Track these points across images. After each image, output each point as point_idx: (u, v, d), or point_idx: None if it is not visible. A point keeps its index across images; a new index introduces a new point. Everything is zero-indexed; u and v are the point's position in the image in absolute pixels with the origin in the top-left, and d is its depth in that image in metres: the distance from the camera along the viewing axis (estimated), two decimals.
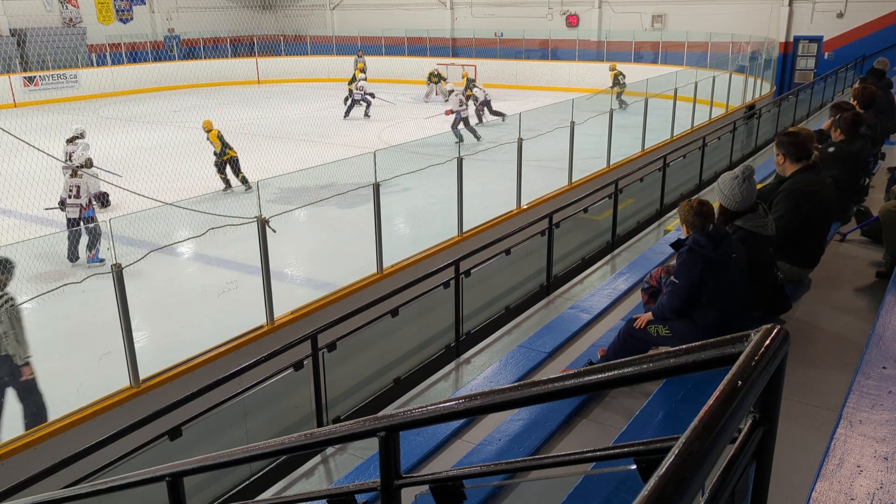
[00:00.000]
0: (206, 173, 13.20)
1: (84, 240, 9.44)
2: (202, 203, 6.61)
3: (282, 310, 6.90)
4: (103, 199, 11.96)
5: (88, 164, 10.59)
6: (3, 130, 7.16)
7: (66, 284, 5.71)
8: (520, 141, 9.92)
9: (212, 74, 28.62)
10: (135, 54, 28.90)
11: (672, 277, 4.07)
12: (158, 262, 7.93)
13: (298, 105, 22.70)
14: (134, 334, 5.67)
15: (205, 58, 29.88)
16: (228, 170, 13.56)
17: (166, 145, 17.49)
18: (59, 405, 5.48)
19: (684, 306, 4.00)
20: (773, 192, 4.90)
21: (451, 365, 5.67)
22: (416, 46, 30.99)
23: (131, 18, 30.27)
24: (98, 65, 27.41)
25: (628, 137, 13.42)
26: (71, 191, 9.83)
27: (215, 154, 13.73)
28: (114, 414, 5.44)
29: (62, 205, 10.06)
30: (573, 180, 11.29)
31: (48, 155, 8.04)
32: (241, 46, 31.19)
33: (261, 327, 6.69)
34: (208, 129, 13.91)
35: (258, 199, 6.52)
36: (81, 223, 9.70)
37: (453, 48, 31.13)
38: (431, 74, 25.65)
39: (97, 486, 3.32)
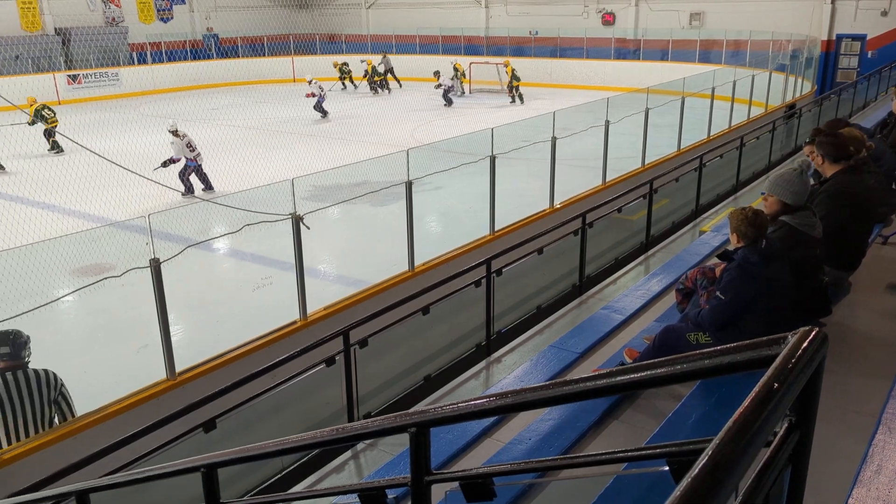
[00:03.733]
0: (242, 170, 13.37)
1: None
2: (238, 199, 6.70)
3: (314, 306, 6.96)
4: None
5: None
6: (63, 135, 7.33)
7: (105, 278, 5.82)
8: (553, 139, 9.87)
9: (248, 73, 28.99)
10: (174, 53, 29.39)
11: (718, 293, 3.89)
12: (195, 257, 8.05)
13: (333, 103, 22.85)
14: (171, 328, 5.77)
15: (242, 56, 30.28)
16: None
17: (203, 143, 17.74)
18: (98, 396, 5.59)
19: (727, 322, 3.89)
20: (813, 194, 4.80)
21: (482, 364, 5.68)
22: (450, 45, 31.01)
23: (171, 18, 30.83)
24: (139, 63, 27.92)
25: (664, 137, 13.26)
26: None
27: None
28: (150, 405, 5.54)
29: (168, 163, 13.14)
30: (607, 180, 11.19)
31: (90, 151, 8.21)
32: (278, 45, 31.52)
33: (294, 323, 6.76)
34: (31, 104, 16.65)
35: (293, 197, 6.59)
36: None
37: (487, 46, 31.08)
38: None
39: (135, 475, 3.39)
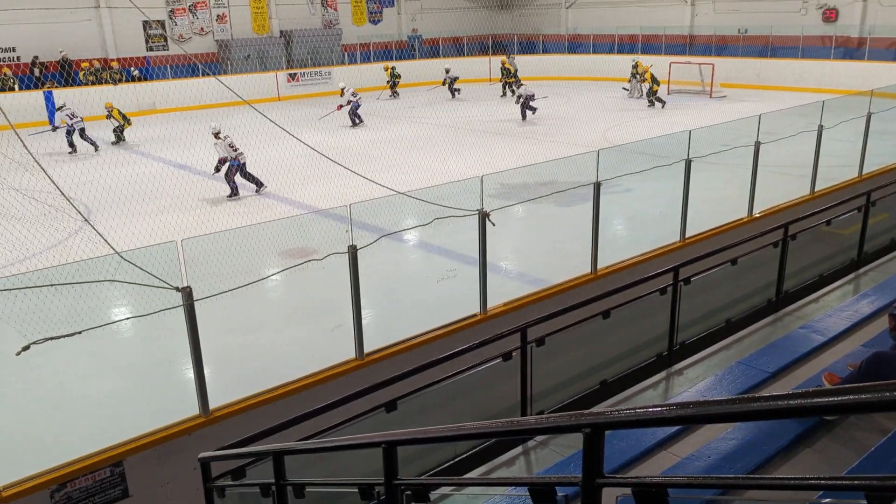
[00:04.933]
0: (435, 166, 13.89)
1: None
2: (429, 194, 6.98)
3: (494, 301, 7.10)
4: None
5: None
6: (281, 128, 8.10)
7: (308, 261, 6.33)
8: (757, 144, 9.26)
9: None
10: (380, 53, 31.16)
11: None
12: (388, 246, 8.51)
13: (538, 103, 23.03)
14: (362, 311, 6.16)
15: (443, 56, 31.37)
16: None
17: (401, 139, 18.68)
18: (296, 369, 6.11)
19: None
20: None
21: (662, 374, 5.48)
22: (649, 44, 30.00)
23: (381, 20, 32.78)
24: (348, 63, 29.89)
25: (887, 145, 11.95)
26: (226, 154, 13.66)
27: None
28: (340, 382, 5.95)
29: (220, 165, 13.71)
30: (816, 189, 10.30)
31: (303, 143, 8.95)
32: (477, 45, 32.32)
33: (474, 316, 6.94)
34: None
35: (481, 194, 6.76)
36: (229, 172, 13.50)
37: (690, 45, 29.69)
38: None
39: (324, 443, 3.68)
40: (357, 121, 21.21)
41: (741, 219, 9.32)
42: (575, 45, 31.91)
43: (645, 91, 24.39)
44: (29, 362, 4.66)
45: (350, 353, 6.20)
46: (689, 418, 1.76)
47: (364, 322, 6.24)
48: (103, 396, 6.49)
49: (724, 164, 10.25)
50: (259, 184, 13.76)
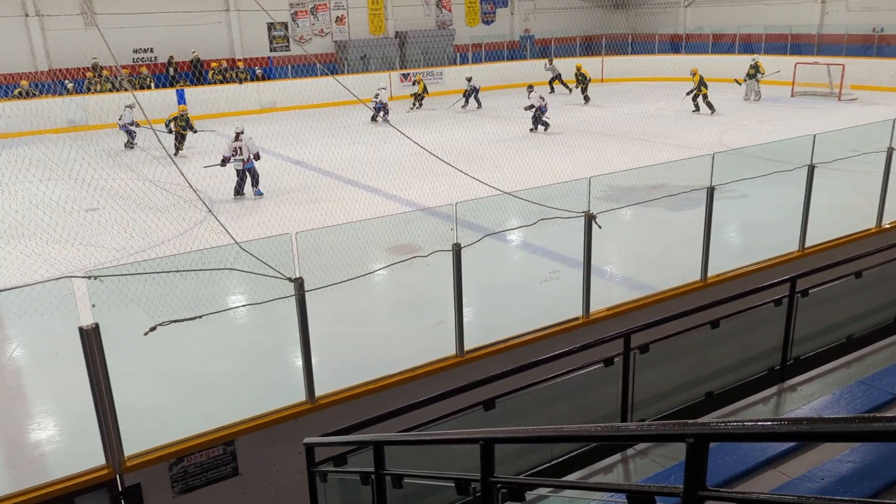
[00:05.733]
0: (542, 167, 13.81)
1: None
2: (535, 194, 6.96)
3: (597, 305, 6.99)
4: (257, 156, 14.16)
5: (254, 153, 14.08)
6: (393, 126, 8.29)
7: (414, 257, 6.46)
8: (890, 150, 8.66)
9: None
10: (492, 53, 31.28)
11: None
12: (491, 246, 8.55)
13: (637, 104, 22.49)
14: (464, 308, 6.23)
15: (555, 56, 31.12)
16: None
17: (509, 139, 18.69)
18: (397, 362, 6.26)
19: None
20: None
21: (773, 389, 5.24)
22: (773, 44, 28.55)
23: (494, 20, 32.93)
24: (460, 63, 30.18)
25: None
26: (234, 152, 13.73)
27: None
28: (440, 377, 6.05)
29: (223, 162, 13.88)
30: None
31: (413, 142, 9.13)
32: (589, 45, 31.83)
33: (576, 319, 6.87)
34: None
35: (588, 195, 6.68)
36: (246, 172, 13.81)
37: (818, 46, 28.04)
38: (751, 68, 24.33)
39: (423, 435, 3.76)
40: (380, 119, 20.88)
41: (868, 229, 8.75)
42: (692, 44, 30.82)
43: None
44: (154, 342, 5.00)
45: (450, 349, 6.28)
46: (802, 435, 1.69)
47: (465, 319, 6.31)
48: (218, 378, 6.88)
49: (852, 171, 9.65)
50: (239, 191, 13.90)
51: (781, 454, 3.94)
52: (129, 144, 18.95)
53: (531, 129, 19.67)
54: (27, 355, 7.58)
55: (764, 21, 29.31)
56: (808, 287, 6.10)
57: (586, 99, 25.06)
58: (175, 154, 17.44)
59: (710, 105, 21.62)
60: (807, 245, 8.17)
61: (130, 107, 18.39)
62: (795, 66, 24.82)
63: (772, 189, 9.58)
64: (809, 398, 4.87)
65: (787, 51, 27.94)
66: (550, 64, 28.26)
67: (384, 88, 22.35)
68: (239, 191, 13.89)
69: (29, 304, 7.01)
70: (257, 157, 14.01)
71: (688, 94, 21.91)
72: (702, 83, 21.55)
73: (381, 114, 20.75)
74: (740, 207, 11.09)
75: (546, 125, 19.60)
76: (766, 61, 24.66)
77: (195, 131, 18.02)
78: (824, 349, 6.36)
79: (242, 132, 14.04)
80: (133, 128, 18.81)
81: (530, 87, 20.74)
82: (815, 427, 1.67)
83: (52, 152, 14.99)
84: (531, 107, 19.73)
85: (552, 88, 27.42)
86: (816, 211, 8.18)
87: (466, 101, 24.59)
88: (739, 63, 26.51)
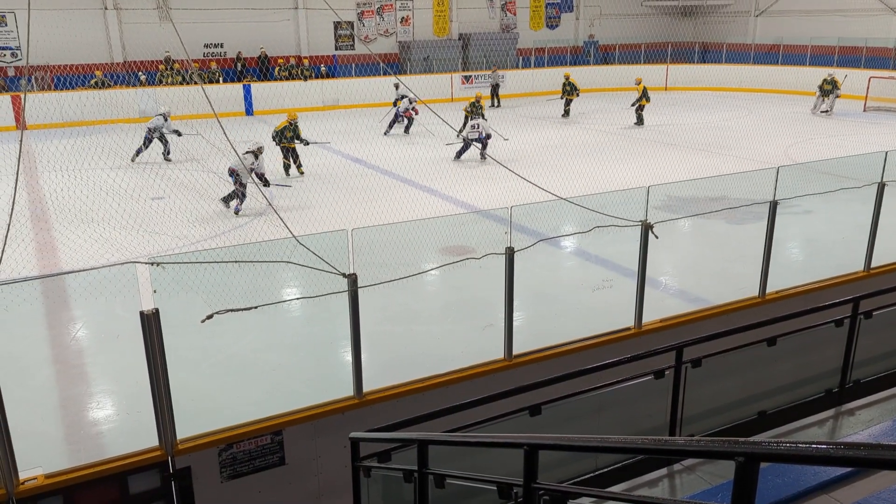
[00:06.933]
0: (600, 174, 13.68)
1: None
2: (592, 201, 6.91)
3: (650, 316, 6.89)
4: (263, 180, 12.73)
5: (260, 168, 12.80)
6: (451, 128, 8.38)
7: (467, 259, 6.49)
8: None
9: (620, 79, 29.30)
10: (555, 58, 31.09)
11: None
12: (544, 251, 8.50)
13: (701, 114, 22.05)
14: (514, 313, 6.21)
15: (618, 63, 30.74)
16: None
17: (568, 144, 18.55)
18: (445, 362, 6.29)
19: None
20: None
21: (829, 412, 5.07)
22: (847, 57, 27.59)
23: (558, 25, 32.75)
24: (522, 67, 30.09)
25: None
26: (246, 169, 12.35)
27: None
28: (487, 380, 6.05)
29: (265, 183, 12.64)
30: None
31: (471, 143, 9.15)
32: (654, 53, 31.33)
33: (627, 329, 6.78)
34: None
35: (646, 204, 6.59)
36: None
37: (895, 60, 26.99)
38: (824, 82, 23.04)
39: (468, 437, 3.77)
40: (396, 128, 20.09)
41: None
42: (761, 55, 30.02)
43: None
44: (210, 330, 5.14)
45: (499, 352, 6.28)
46: (859, 461, 1.63)
47: (515, 324, 6.29)
48: (270, 368, 7.03)
49: None
50: (230, 199, 12.65)
51: (835, 479, 3.82)
52: (166, 157, 16.92)
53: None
54: (90, 336, 7.87)
55: (839, 33, 28.38)
56: (871, 309, 5.89)
57: (566, 112, 23.26)
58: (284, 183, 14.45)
59: (640, 118, 21.10)
60: (873, 265, 7.89)
61: (164, 115, 16.68)
62: (869, 81, 23.96)
63: (838, 206, 9.28)
64: (868, 424, 4.70)
65: (861, 64, 26.98)
66: (493, 71, 26.82)
67: (405, 97, 19.95)
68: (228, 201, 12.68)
69: (94, 286, 7.31)
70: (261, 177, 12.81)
71: (632, 105, 21.27)
72: (644, 94, 20.91)
73: (394, 126, 19.65)
74: (804, 223, 10.77)
75: (483, 156, 15.67)
76: (840, 74, 23.88)
77: (306, 143, 15.28)
78: (886, 374, 6.13)
79: (261, 150, 12.89)
80: (163, 133, 16.74)
81: (472, 113, 18.62)
82: (874, 454, 1.62)
83: (124, 142, 15.57)
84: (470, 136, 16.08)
85: (496, 101, 26.24)
86: (885, 231, 7.89)
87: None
88: (811, 75, 25.74)
